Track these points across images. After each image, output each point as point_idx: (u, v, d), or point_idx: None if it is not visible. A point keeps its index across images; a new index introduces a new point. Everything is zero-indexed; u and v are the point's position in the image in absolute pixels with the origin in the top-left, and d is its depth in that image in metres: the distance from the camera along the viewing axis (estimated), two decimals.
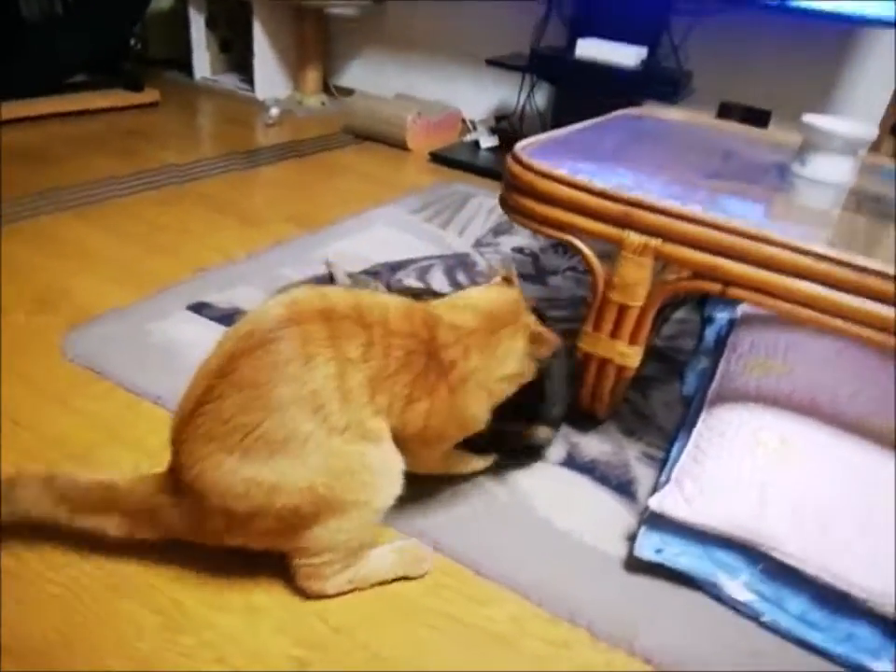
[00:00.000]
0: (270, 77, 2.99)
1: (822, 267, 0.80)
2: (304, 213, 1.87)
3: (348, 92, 3.11)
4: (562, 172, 0.94)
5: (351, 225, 1.80)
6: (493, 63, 2.34)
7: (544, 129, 2.37)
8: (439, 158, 2.46)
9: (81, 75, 2.52)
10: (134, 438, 0.99)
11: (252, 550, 0.74)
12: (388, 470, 0.73)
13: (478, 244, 1.79)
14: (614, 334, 0.96)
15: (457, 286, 1.52)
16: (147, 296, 1.35)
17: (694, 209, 0.88)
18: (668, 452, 1.06)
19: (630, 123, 1.45)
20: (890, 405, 0.97)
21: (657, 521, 0.85)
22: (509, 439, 0.97)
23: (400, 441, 0.75)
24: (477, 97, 2.88)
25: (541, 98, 2.69)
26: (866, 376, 1.03)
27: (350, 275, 1.17)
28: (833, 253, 0.79)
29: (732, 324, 1.29)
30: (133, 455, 0.95)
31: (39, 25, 2.25)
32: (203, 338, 1.23)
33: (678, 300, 1.49)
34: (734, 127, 1.56)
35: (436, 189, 2.16)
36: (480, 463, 0.95)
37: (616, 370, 0.99)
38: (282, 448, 0.65)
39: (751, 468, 0.85)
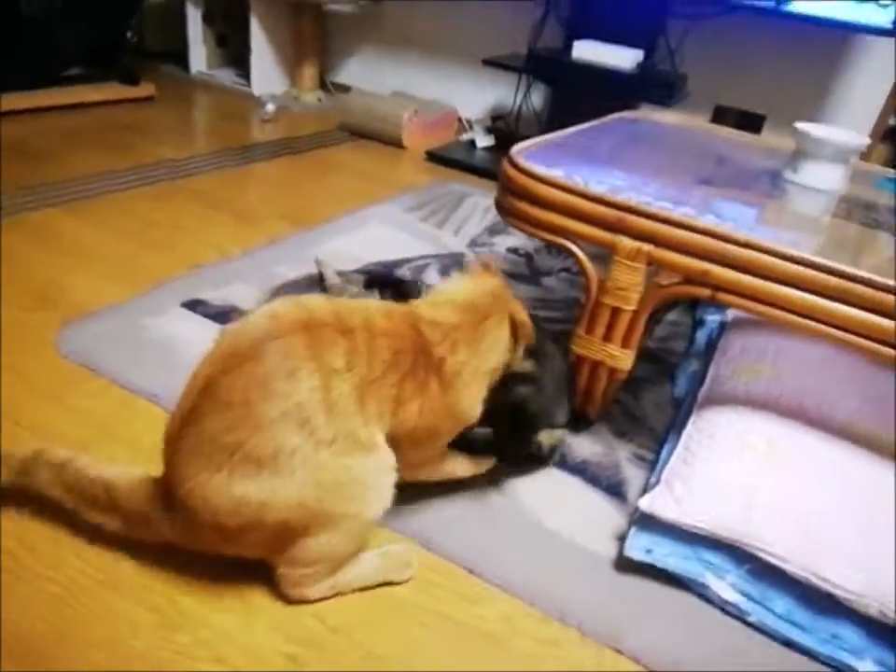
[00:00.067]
0: (266, 72, 2.98)
1: (810, 274, 0.81)
2: (299, 210, 1.88)
3: (345, 89, 3.10)
4: (557, 176, 0.95)
5: (346, 223, 1.81)
6: (490, 62, 2.35)
7: (541, 129, 2.39)
8: (435, 157, 2.47)
9: (77, 67, 2.51)
10: (130, 435, 0.99)
11: (246, 558, 0.75)
12: (378, 483, 0.73)
13: (473, 243, 1.80)
14: (607, 337, 0.97)
15: None
16: (142, 292, 1.35)
17: (687, 215, 0.89)
18: (658, 453, 1.08)
19: (626, 127, 1.46)
20: (875, 410, 0.99)
21: (647, 522, 0.87)
22: (521, 448, 0.97)
23: (395, 446, 0.75)
24: (474, 96, 2.88)
25: (538, 98, 2.70)
26: (852, 382, 1.05)
27: (341, 274, 1.17)
28: (820, 261, 0.81)
29: (723, 327, 1.31)
30: (129, 453, 0.95)
31: (37, 17, 2.23)
32: (198, 335, 1.24)
33: (670, 303, 1.50)
34: (728, 132, 1.57)
35: (432, 189, 2.17)
36: (476, 467, 0.95)
37: (608, 372, 1.00)
38: (270, 464, 0.65)
39: (739, 470, 0.87)
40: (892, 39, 2.01)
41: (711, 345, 1.28)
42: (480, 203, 2.07)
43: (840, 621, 0.80)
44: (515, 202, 0.99)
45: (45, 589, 0.76)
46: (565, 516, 0.95)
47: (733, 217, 0.93)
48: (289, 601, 0.77)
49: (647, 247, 0.89)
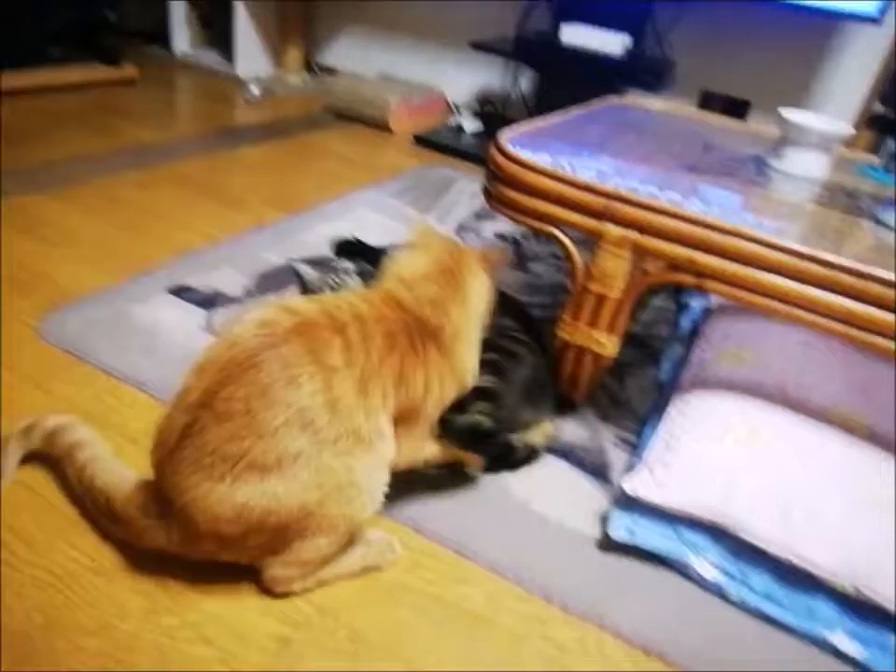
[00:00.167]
0: (251, 54, 2.94)
1: (793, 262, 0.82)
2: (285, 195, 1.86)
3: (331, 71, 3.07)
4: (543, 163, 0.96)
5: (332, 209, 1.80)
6: (477, 46, 2.33)
7: (529, 114, 2.38)
8: (422, 141, 2.46)
9: (56, 48, 2.46)
10: (116, 423, 0.99)
11: (238, 563, 0.75)
12: (374, 483, 0.74)
13: (460, 228, 1.80)
14: (592, 324, 0.98)
15: None
16: (127, 278, 1.34)
17: (672, 202, 0.90)
18: (642, 436, 1.09)
19: (613, 112, 1.46)
20: (855, 394, 1.01)
21: (629, 503, 0.88)
22: (515, 450, 0.98)
23: (399, 428, 0.76)
24: (462, 80, 2.87)
25: (526, 83, 2.69)
26: (833, 366, 1.07)
27: (316, 263, 1.15)
28: (803, 249, 0.82)
29: (707, 312, 1.33)
30: (115, 440, 0.95)
31: None
32: (185, 321, 1.23)
33: (655, 288, 1.52)
34: (714, 119, 1.58)
35: (419, 173, 2.16)
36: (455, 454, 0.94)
37: (593, 358, 1.01)
38: (275, 470, 0.66)
39: (720, 453, 0.89)
40: (877, 27, 2.02)
41: (695, 331, 1.30)
42: (467, 188, 2.07)
43: (815, 595, 0.83)
44: (501, 188, 0.99)
45: (37, 577, 0.76)
46: (550, 499, 0.97)
47: (717, 204, 0.94)
48: (275, 596, 0.77)
49: (632, 235, 0.90)
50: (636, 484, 0.87)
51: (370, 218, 1.78)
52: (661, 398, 1.16)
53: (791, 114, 1.16)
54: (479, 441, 0.93)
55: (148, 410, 1.03)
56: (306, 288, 1.12)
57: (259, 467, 0.65)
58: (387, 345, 0.73)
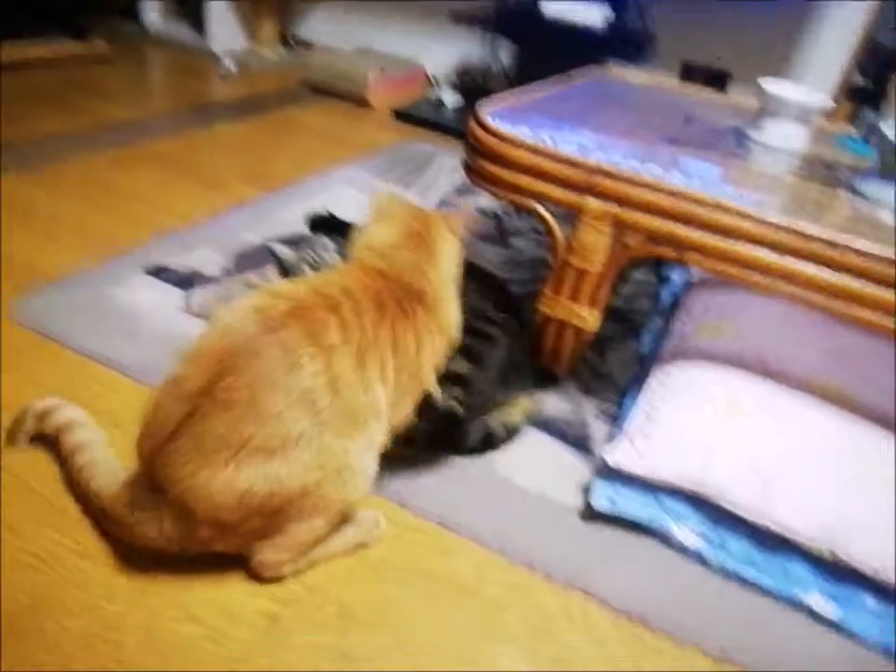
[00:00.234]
0: (225, 27, 2.87)
1: (770, 233, 0.83)
2: (263, 173, 1.84)
3: (307, 45, 3.01)
4: (524, 137, 0.95)
5: (311, 186, 1.78)
6: (457, 17, 2.29)
7: (509, 87, 2.35)
8: (402, 115, 2.43)
9: (21, 23, 2.37)
10: (98, 407, 0.97)
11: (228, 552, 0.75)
12: (366, 468, 0.75)
13: (442, 204, 1.78)
14: (573, 298, 0.98)
15: None
16: (103, 260, 1.32)
17: (653, 175, 0.90)
18: (623, 408, 1.11)
19: (594, 84, 1.45)
20: (833, 363, 1.03)
21: (611, 473, 0.90)
22: (494, 433, 0.99)
23: (399, 389, 0.78)
24: (441, 53, 2.82)
25: (506, 55, 2.65)
26: (811, 337, 1.09)
27: (295, 241, 1.14)
28: (782, 221, 0.83)
29: (687, 285, 1.34)
30: (98, 423, 0.94)
31: None
32: (163, 302, 1.22)
33: (636, 261, 1.52)
34: (695, 90, 1.57)
35: (399, 148, 2.14)
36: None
37: (575, 332, 1.02)
38: (279, 452, 0.66)
39: (700, 423, 0.90)
40: None
41: (676, 304, 1.31)
42: (448, 162, 2.05)
43: (791, 559, 0.85)
44: (481, 162, 0.98)
45: (23, 561, 0.76)
46: (533, 471, 0.98)
47: (697, 177, 0.94)
48: (263, 581, 0.77)
49: (613, 208, 0.90)
50: (617, 455, 0.89)
51: (349, 195, 1.75)
52: (642, 370, 1.17)
53: (770, 85, 1.16)
54: (454, 429, 0.95)
55: (129, 392, 1.02)
56: (284, 268, 1.11)
57: (262, 451, 0.66)
58: (379, 315, 0.75)
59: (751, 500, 0.84)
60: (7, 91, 2.09)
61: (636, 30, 2.25)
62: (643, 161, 0.95)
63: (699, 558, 0.88)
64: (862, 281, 0.81)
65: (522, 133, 0.96)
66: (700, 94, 1.55)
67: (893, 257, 0.79)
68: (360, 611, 0.77)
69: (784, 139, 1.18)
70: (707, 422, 0.90)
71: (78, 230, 1.42)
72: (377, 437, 0.76)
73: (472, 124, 1.00)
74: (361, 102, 2.49)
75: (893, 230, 0.89)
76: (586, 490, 0.94)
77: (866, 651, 0.81)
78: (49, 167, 1.66)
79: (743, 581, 0.87)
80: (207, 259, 1.37)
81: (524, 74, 2.39)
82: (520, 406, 1.03)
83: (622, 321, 1.37)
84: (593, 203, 0.91)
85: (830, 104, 1.17)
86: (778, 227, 0.83)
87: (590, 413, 1.12)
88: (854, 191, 1.02)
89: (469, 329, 0.93)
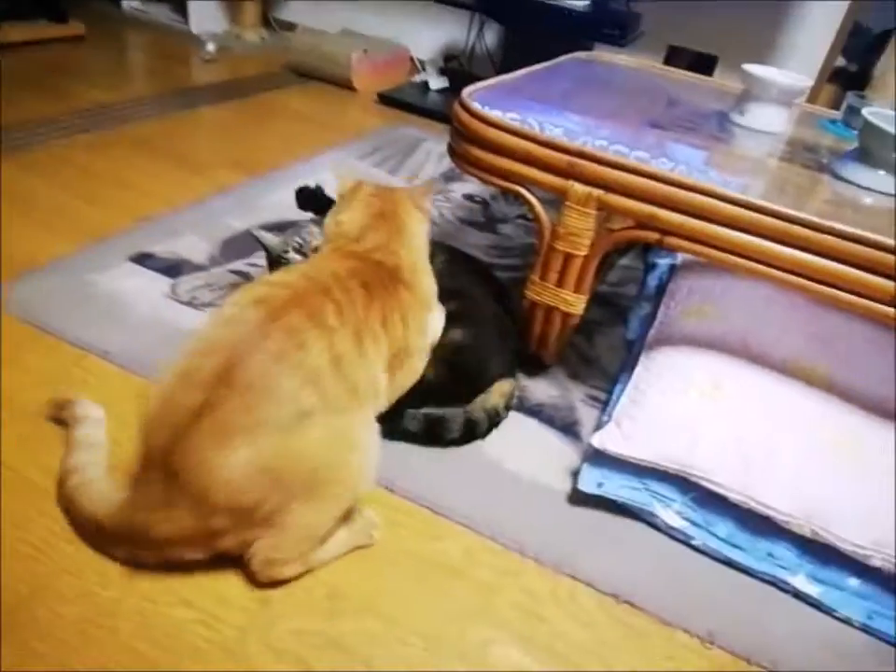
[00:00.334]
0: (205, 8, 2.82)
1: (752, 217, 0.84)
2: (247, 158, 1.82)
3: (290, 27, 2.96)
4: (508, 120, 0.95)
5: (296, 171, 1.76)
6: (441, 0, 2.27)
7: (495, 70, 2.34)
8: (386, 99, 2.40)
9: (0, 6, 2.32)
10: (83, 394, 0.97)
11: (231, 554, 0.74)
12: (368, 448, 0.77)
13: None
14: (559, 283, 0.99)
15: None
16: (87, 247, 1.30)
17: (637, 159, 0.90)
18: (611, 393, 1.12)
19: (579, 68, 1.45)
20: (815, 345, 1.04)
21: (598, 457, 0.91)
22: (477, 423, 1.00)
23: (394, 361, 0.82)
24: (426, 35, 2.79)
25: (491, 37, 2.63)
26: (793, 320, 1.10)
27: (281, 226, 1.14)
28: (762, 203, 0.83)
29: (673, 270, 1.35)
30: None
31: None
32: (149, 290, 1.21)
33: (623, 247, 1.53)
34: (681, 74, 1.57)
35: (384, 133, 2.12)
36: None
37: (562, 317, 1.03)
38: (292, 429, 0.69)
39: (685, 406, 0.91)
40: None
41: (661, 288, 1.32)
42: (434, 148, 2.04)
43: (775, 540, 0.87)
44: (467, 146, 0.98)
45: (17, 550, 0.76)
46: (522, 456, 0.99)
47: (682, 161, 0.94)
48: (262, 584, 0.76)
49: (597, 192, 0.90)
50: (603, 438, 0.90)
51: (333, 180, 1.74)
52: (629, 355, 1.19)
53: (753, 68, 1.17)
54: (439, 431, 0.97)
55: (117, 380, 1.01)
56: (270, 254, 1.11)
57: (277, 430, 0.68)
58: (367, 295, 0.79)
59: (735, 480, 0.85)
60: None
61: (620, 12, 2.23)
62: (628, 144, 0.95)
63: (685, 540, 0.90)
64: (843, 264, 0.82)
65: (507, 116, 0.96)
66: (685, 78, 1.55)
67: (872, 239, 0.80)
68: (350, 594, 0.78)
69: (767, 122, 1.18)
70: (691, 404, 0.92)
71: (59, 215, 1.40)
72: (373, 422, 0.79)
73: (458, 108, 0.99)
74: (345, 84, 2.46)
75: (872, 212, 0.90)
76: (575, 475, 0.95)
77: (851, 632, 0.83)
78: (27, 152, 1.63)
79: (729, 563, 0.88)
80: (193, 246, 1.36)
81: (509, 56, 2.38)
82: (498, 389, 1.03)
83: (609, 307, 1.38)
84: (578, 187, 0.91)
85: (809, 84, 1.18)
86: (758, 209, 0.84)
87: (578, 399, 1.13)
88: (835, 174, 1.03)
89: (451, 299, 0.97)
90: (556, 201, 0.95)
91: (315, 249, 1.04)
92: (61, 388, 0.97)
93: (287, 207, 1.52)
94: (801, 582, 0.86)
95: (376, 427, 0.80)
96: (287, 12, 3.05)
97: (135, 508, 0.71)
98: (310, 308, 0.73)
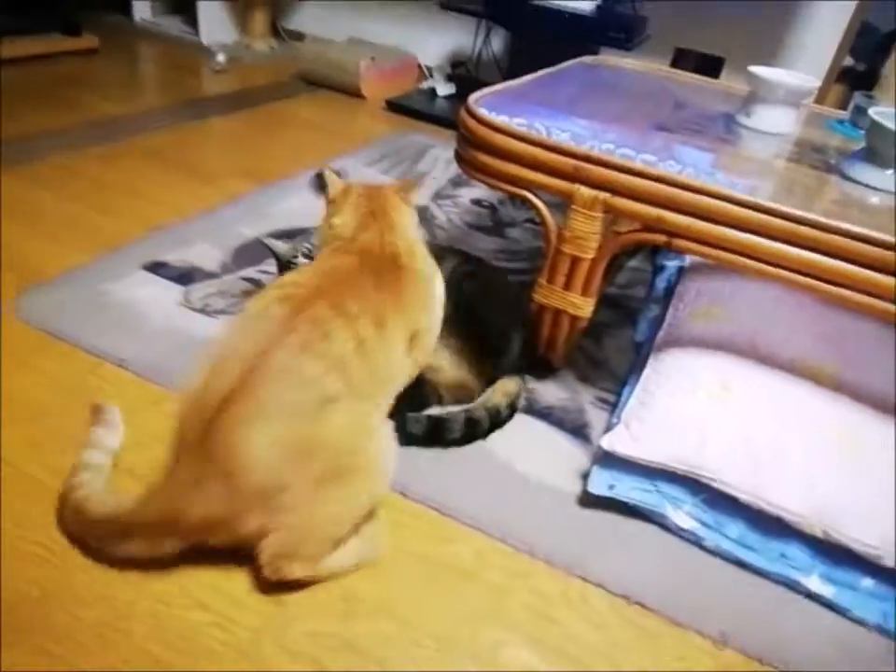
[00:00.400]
0: (215, 19, 2.85)
1: (759, 218, 0.84)
2: (257, 167, 1.84)
3: (298, 37, 3.00)
4: (514, 125, 0.95)
5: (306, 179, 1.78)
6: (447, 6, 2.29)
7: (501, 75, 2.35)
8: (394, 106, 2.42)
9: (11, 19, 2.36)
10: (99, 401, 0.99)
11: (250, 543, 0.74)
12: (387, 439, 0.80)
13: (437, 196, 1.79)
14: (567, 286, 0.99)
15: None
16: (101, 256, 1.33)
17: (643, 162, 0.90)
18: (620, 396, 1.12)
19: (585, 72, 1.45)
20: (822, 345, 1.04)
21: (608, 459, 0.91)
22: (478, 422, 1.01)
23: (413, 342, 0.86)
24: (433, 42, 2.81)
25: (498, 43, 2.65)
26: (801, 320, 1.10)
27: (291, 234, 1.17)
28: (769, 204, 0.84)
29: (681, 272, 1.35)
30: None
31: None
32: (162, 298, 1.23)
33: (631, 249, 1.53)
34: (687, 76, 1.58)
35: (392, 140, 2.14)
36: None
37: (570, 320, 1.03)
38: (319, 414, 0.72)
39: (694, 408, 0.92)
40: None
41: (670, 290, 1.32)
42: (442, 154, 2.05)
43: (788, 541, 0.87)
44: (474, 152, 0.99)
45: (30, 553, 0.78)
46: (532, 459, 1.00)
47: (689, 163, 0.95)
48: (269, 582, 0.76)
49: (603, 196, 0.91)
50: (612, 440, 0.90)
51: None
52: (638, 357, 1.19)
53: (759, 70, 1.17)
54: (441, 431, 0.98)
55: (132, 387, 1.03)
56: (280, 261, 1.13)
57: (304, 413, 0.72)
58: (377, 283, 0.83)
59: (744, 481, 0.85)
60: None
61: (626, 15, 2.24)
62: (635, 148, 0.95)
63: (695, 541, 0.90)
64: (851, 263, 0.82)
65: (514, 122, 0.97)
66: (691, 80, 1.55)
67: (880, 238, 0.80)
68: (364, 595, 0.79)
69: (774, 123, 1.18)
70: (700, 405, 0.92)
71: (72, 226, 1.42)
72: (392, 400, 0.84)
73: (464, 114, 1.00)
74: (354, 92, 2.49)
75: (880, 211, 0.90)
76: (585, 477, 0.96)
77: (865, 633, 0.83)
78: (40, 163, 1.66)
79: (741, 565, 0.88)
80: (205, 254, 1.38)
81: (516, 62, 2.39)
82: (501, 388, 1.04)
83: (617, 309, 1.38)
84: (584, 190, 0.92)
85: (816, 85, 1.18)
86: (765, 210, 0.84)
87: (587, 401, 1.13)
88: (842, 175, 1.02)
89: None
90: (563, 204, 0.95)
91: None
92: (76, 395, 0.98)
93: (297, 215, 1.54)
94: (814, 583, 0.85)
95: (390, 423, 0.82)
96: (296, 22, 3.08)
97: (169, 493, 0.72)
98: (331, 299, 0.77)
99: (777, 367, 0.96)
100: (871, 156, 0.99)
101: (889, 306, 0.82)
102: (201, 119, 2.11)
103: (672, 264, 1.42)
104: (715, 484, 0.86)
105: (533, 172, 0.94)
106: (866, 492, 0.84)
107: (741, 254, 0.87)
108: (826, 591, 0.85)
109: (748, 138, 1.18)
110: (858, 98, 1.30)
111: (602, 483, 0.91)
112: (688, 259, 1.34)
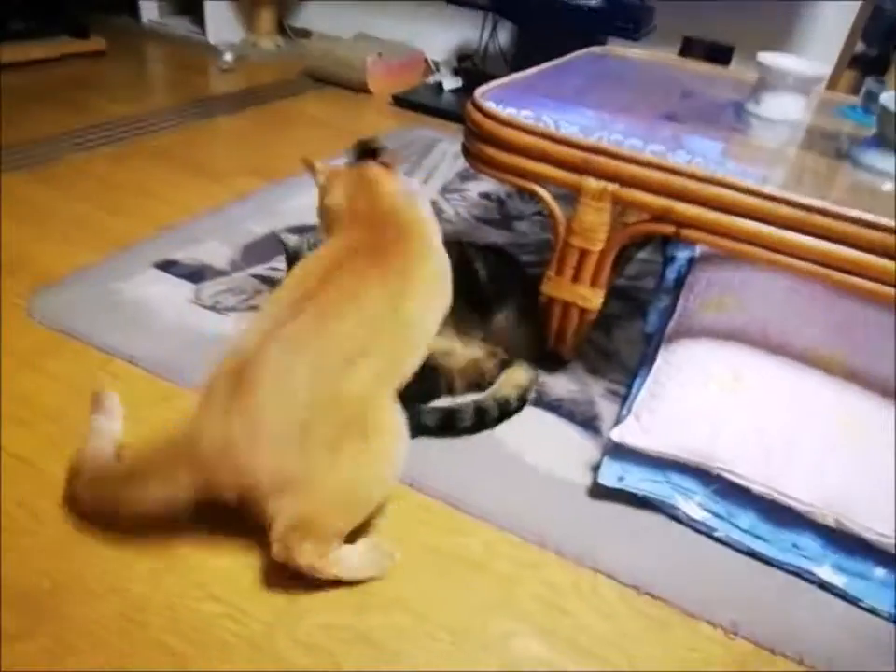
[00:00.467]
0: (222, 19, 2.86)
1: (768, 207, 0.83)
2: (265, 164, 1.84)
3: (305, 34, 3.00)
4: (520, 118, 0.95)
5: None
6: (453, 0, 2.28)
7: (508, 68, 2.34)
8: (401, 101, 2.42)
9: (20, 22, 2.38)
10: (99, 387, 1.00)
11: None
12: (402, 432, 0.79)
13: (444, 190, 1.79)
14: (576, 278, 0.99)
15: None
16: (112, 255, 1.34)
17: (652, 153, 0.90)
18: (630, 387, 1.12)
19: (593, 63, 1.44)
20: (834, 335, 1.03)
21: (619, 451, 0.91)
22: (487, 411, 1.02)
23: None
24: (439, 36, 2.80)
25: (504, 36, 2.64)
26: (813, 309, 1.09)
27: (302, 230, 1.19)
28: (777, 192, 0.83)
29: (691, 262, 1.34)
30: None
31: None
32: (173, 296, 1.24)
33: (640, 240, 1.52)
34: (696, 65, 1.56)
35: (400, 135, 2.14)
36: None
37: (579, 312, 1.03)
38: (347, 366, 0.75)
39: (705, 399, 0.91)
40: None
41: (680, 281, 1.31)
42: (449, 148, 2.05)
43: (800, 531, 0.86)
44: (480, 145, 0.99)
45: (43, 545, 0.79)
46: (542, 451, 1.00)
47: (698, 152, 0.94)
48: (275, 560, 0.74)
49: (611, 187, 0.90)
50: (623, 431, 0.90)
51: None
52: (648, 349, 1.18)
53: (768, 57, 1.15)
54: (452, 421, 0.99)
55: (142, 383, 1.04)
56: (289, 254, 1.14)
57: (330, 369, 0.74)
58: (394, 242, 0.86)
59: (754, 471, 0.85)
60: (7, 90, 2.10)
61: (633, 5, 2.22)
62: (644, 138, 0.95)
63: (707, 532, 0.90)
64: (863, 251, 0.81)
65: (521, 114, 0.97)
66: (700, 69, 1.54)
67: (892, 226, 0.79)
68: (376, 588, 0.79)
69: (784, 111, 1.17)
70: (711, 396, 0.91)
71: (83, 226, 1.44)
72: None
73: (471, 107, 1.00)
74: (361, 88, 2.49)
75: (891, 198, 0.89)
76: (595, 468, 0.96)
77: (877, 623, 0.82)
78: (50, 165, 1.68)
79: (752, 555, 0.88)
80: (215, 251, 1.39)
81: (523, 54, 2.38)
82: (511, 379, 1.04)
83: (627, 301, 1.38)
84: (592, 182, 0.91)
85: (826, 71, 1.16)
86: (774, 198, 0.83)
87: (597, 393, 1.13)
88: (853, 161, 1.01)
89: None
90: (571, 197, 0.95)
91: None
92: (87, 391, 1.00)
93: (305, 212, 1.54)
94: (826, 573, 0.85)
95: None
96: (302, 19, 3.09)
97: (191, 425, 0.74)
98: (362, 261, 0.81)
99: (788, 357, 0.96)
100: (882, 142, 0.98)
101: None
102: (208, 118, 2.12)
103: (682, 255, 1.41)
104: (727, 475, 0.86)
105: (541, 164, 0.94)
106: (878, 481, 0.84)
107: (752, 243, 0.86)
108: (838, 580, 0.84)
109: (758, 127, 1.17)
110: (869, 84, 1.29)
111: (612, 474, 0.91)
112: (698, 250, 1.33)
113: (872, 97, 1.23)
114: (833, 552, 0.85)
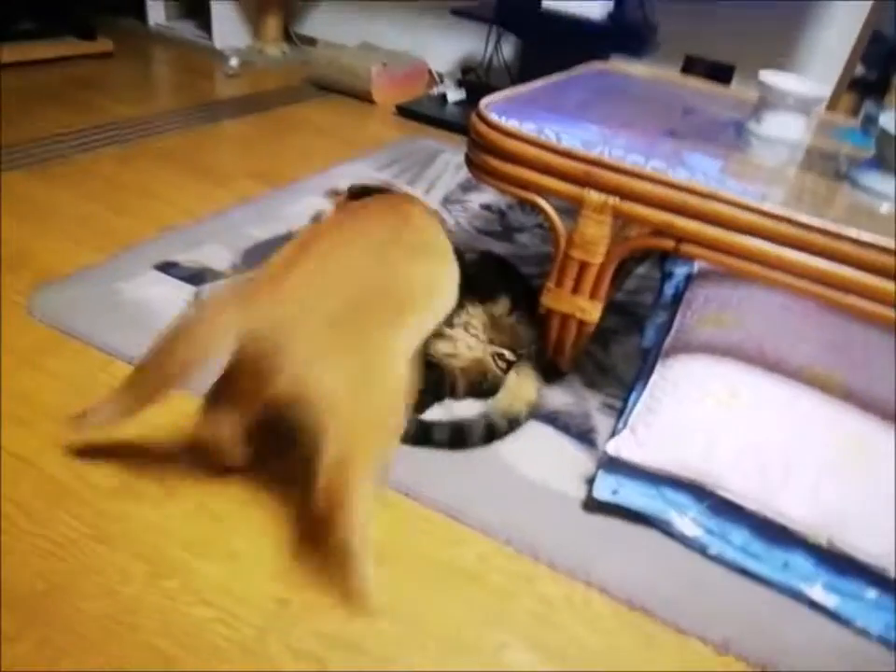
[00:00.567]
0: (228, 24, 2.88)
1: (768, 224, 0.84)
2: (268, 169, 1.85)
3: (310, 42, 3.02)
4: (524, 130, 0.96)
5: (317, 182, 1.79)
6: (459, 13, 2.30)
7: (512, 82, 2.36)
8: (405, 111, 2.43)
9: (28, 22, 2.40)
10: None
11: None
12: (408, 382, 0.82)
13: (446, 200, 1.80)
14: (575, 290, 1.00)
15: None
16: (113, 256, 1.34)
17: (650, 168, 0.91)
18: (626, 402, 1.12)
19: (595, 78, 1.46)
20: (831, 353, 1.04)
21: (613, 464, 0.91)
22: (496, 427, 1.02)
23: None
24: (444, 48, 2.83)
25: (509, 50, 2.66)
26: (810, 327, 1.10)
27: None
28: (777, 210, 0.84)
29: (689, 279, 1.35)
30: None
31: None
32: (173, 298, 1.24)
33: (639, 255, 1.53)
34: (698, 83, 1.58)
35: (403, 145, 2.15)
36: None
37: (577, 324, 1.03)
38: (349, 283, 0.82)
39: (701, 415, 0.91)
40: None
41: (678, 297, 1.32)
42: (452, 159, 2.06)
43: (792, 550, 0.86)
44: (483, 156, 0.99)
45: (39, 546, 0.78)
46: (537, 463, 1.00)
47: (698, 169, 0.95)
48: (325, 509, 0.74)
49: (613, 200, 0.91)
50: (618, 445, 0.90)
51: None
52: (645, 364, 1.19)
53: (769, 77, 1.17)
54: (463, 437, 0.99)
55: None
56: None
57: (336, 290, 0.80)
58: (389, 223, 0.95)
59: (749, 488, 0.85)
60: (14, 89, 2.11)
61: (637, 22, 2.25)
62: (645, 153, 0.96)
63: (699, 548, 0.90)
64: (860, 271, 0.82)
65: (524, 126, 0.97)
66: (701, 87, 1.55)
67: (890, 246, 0.80)
68: (368, 598, 0.79)
69: (784, 131, 1.18)
70: (707, 412, 0.92)
71: (87, 225, 1.44)
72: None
73: (474, 119, 1.01)
74: (365, 97, 2.50)
75: (890, 219, 0.89)
76: (590, 481, 0.96)
77: (868, 643, 0.82)
78: (55, 164, 1.68)
79: (744, 573, 0.88)
80: (216, 254, 1.39)
81: (526, 68, 2.40)
82: (522, 394, 1.05)
83: (625, 315, 1.38)
84: (593, 195, 0.92)
85: (827, 92, 1.18)
86: (774, 216, 0.84)
87: (593, 407, 1.13)
88: (852, 182, 1.02)
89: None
90: (572, 209, 0.96)
91: None
92: (87, 393, 0.99)
93: (307, 218, 1.54)
94: (818, 593, 0.85)
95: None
96: (308, 27, 3.11)
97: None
98: (380, 209, 0.97)
99: (785, 374, 0.96)
100: (881, 164, 0.99)
101: None
102: (213, 123, 2.13)
103: (681, 271, 1.42)
104: (721, 492, 0.86)
105: (543, 176, 0.95)
106: (873, 502, 0.84)
107: (750, 260, 0.87)
108: (830, 601, 0.84)
109: (758, 145, 1.18)
110: (868, 106, 1.30)
111: (606, 488, 0.91)
112: (696, 266, 1.34)
113: (871, 120, 1.25)
114: (825, 571, 0.85)
